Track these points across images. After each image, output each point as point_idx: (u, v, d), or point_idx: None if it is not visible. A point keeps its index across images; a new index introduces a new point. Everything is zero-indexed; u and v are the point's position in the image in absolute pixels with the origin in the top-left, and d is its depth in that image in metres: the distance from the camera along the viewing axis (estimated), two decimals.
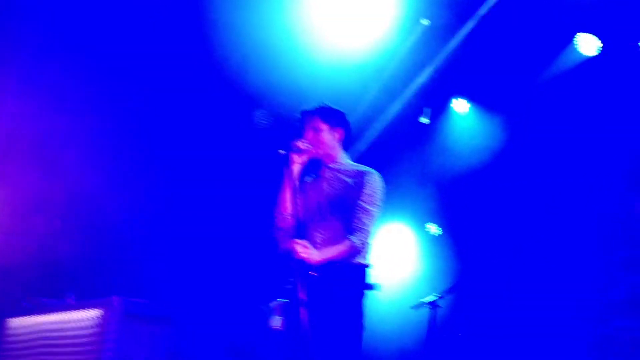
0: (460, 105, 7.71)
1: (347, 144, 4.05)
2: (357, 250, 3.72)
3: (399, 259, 7.67)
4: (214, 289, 6.76)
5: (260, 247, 6.68)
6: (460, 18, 6.86)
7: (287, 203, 3.80)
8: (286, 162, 3.72)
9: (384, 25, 6.85)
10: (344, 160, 4.00)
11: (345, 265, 3.72)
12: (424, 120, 7.70)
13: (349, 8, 6.73)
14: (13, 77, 6.56)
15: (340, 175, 3.92)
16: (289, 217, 3.83)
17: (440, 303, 5.28)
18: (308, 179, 4.03)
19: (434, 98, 7.66)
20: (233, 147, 7.23)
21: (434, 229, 7.75)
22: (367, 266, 3.81)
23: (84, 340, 4.88)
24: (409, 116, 7.74)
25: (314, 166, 4.01)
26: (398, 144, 7.84)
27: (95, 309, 4.95)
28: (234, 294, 6.86)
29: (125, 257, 6.87)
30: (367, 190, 3.82)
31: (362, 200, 3.79)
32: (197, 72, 6.96)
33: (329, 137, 3.95)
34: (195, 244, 7.20)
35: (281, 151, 3.73)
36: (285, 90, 6.80)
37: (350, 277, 3.72)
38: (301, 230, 3.70)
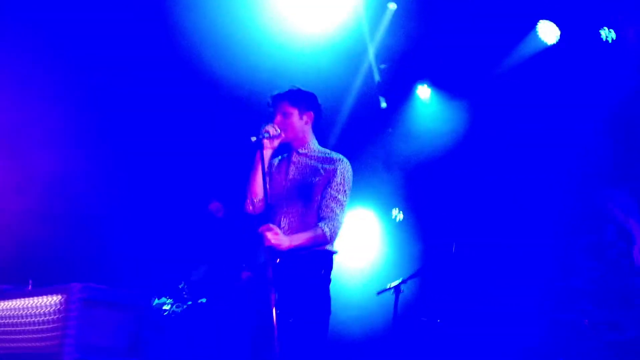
0: (423, 91, 7.75)
1: (318, 127, 4.00)
2: (326, 239, 3.71)
3: (364, 245, 7.70)
4: (179, 275, 6.70)
5: (226, 232, 6.66)
6: (424, 3, 6.90)
7: (257, 188, 3.77)
8: (257, 147, 3.69)
9: (350, 9, 6.84)
10: (314, 146, 3.96)
11: (313, 252, 3.71)
12: (382, 104, 7.73)
13: None
14: None
15: (309, 160, 3.89)
16: (258, 202, 3.81)
17: (404, 288, 5.32)
18: (275, 161, 4.00)
19: (398, 83, 7.68)
20: (201, 132, 7.17)
21: (397, 214, 7.80)
22: (334, 253, 3.82)
23: (44, 327, 4.80)
24: (372, 101, 7.76)
25: (283, 150, 3.97)
26: (362, 129, 7.85)
27: (55, 295, 4.88)
28: (199, 279, 6.81)
29: (86, 243, 6.76)
30: (337, 179, 3.79)
31: (332, 188, 3.77)
32: (163, 62, 6.87)
33: (299, 121, 3.90)
34: (160, 230, 7.12)
35: (253, 138, 3.69)
36: (253, 77, 6.74)
37: (318, 263, 3.73)
38: (269, 215, 3.69)
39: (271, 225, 3.56)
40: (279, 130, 3.81)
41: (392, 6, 6.92)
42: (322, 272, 3.74)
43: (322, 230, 3.69)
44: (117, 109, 7.01)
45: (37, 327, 4.89)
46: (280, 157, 4.03)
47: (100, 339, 4.93)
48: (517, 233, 6.65)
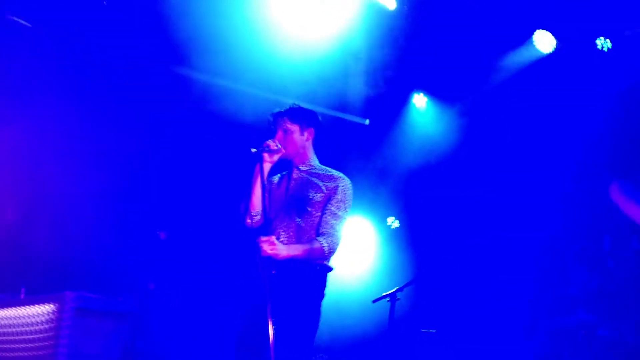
0: (419, 100, 7.76)
1: (318, 145, 4.07)
2: (324, 253, 3.76)
3: (359, 253, 7.67)
4: (173, 285, 6.66)
5: (224, 244, 6.65)
6: (421, 13, 6.90)
7: (256, 201, 3.83)
8: (257, 160, 3.75)
9: (345, 18, 6.83)
10: (315, 162, 4.03)
11: (308, 265, 3.75)
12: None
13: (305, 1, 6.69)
14: None
15: (309, 177, 3.95)
16: (257, 215, 3.87)
17: (400, 296, 5.29)
18: (275, 179, 4.04)
19: (394, 92, 7.68)
20: (201, 143, 7.14)
21: (393, 222, 7.79)
22: (329, 269, 3.86)
23: (37, 336, 4.76)
24: (368, 109, 7.75)
25: (284, 166, 4.02)
26: (358, 137, 7.84)
27: (48, 304, 4.85)
28: (193, 290, 6.78)
29: (79, 251, 6.71)
30: (339, 196, 3.87)
31: (333, 205, 3.84)
32: (157, 68, 6.85)
33: (300, 138, 3.98)
34: (155, 238, 7.08)
35: (253, 149, 3.75)
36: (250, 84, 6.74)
37: (312, 276, 3.77)
38: (268, 228, 3.75)
39: (266, 237, 3.60)
40: (279, 146, 3.86)
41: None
42: (316, 285, 3.77)
43: (321, 244, 3.74)
44: (111, 117, 6.96)
45: (29, 337, 4.85)
46: (280, 173, 4.09)
47: (93, 348, 4.91)
48: (513, 240, 6.65)
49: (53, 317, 4.76)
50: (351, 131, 7.74)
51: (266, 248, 3.56)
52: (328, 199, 3.85)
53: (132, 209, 7.11)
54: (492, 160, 7.03)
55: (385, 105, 7.77)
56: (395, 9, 6.81)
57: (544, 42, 6.80)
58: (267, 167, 3.83)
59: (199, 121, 7.16)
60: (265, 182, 3.76)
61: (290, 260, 3.67)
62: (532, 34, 6.83)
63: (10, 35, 6.30)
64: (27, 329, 4.88)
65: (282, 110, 4.00)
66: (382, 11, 6.90)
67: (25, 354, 4.83)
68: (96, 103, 6.82)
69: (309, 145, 4.03)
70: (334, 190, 3.87)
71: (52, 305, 4.81)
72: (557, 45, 6.77)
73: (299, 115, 4.01)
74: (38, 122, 6.57)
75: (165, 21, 6.46)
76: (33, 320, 4.87)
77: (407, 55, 7.29)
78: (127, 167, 7.11)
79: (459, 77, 7.19)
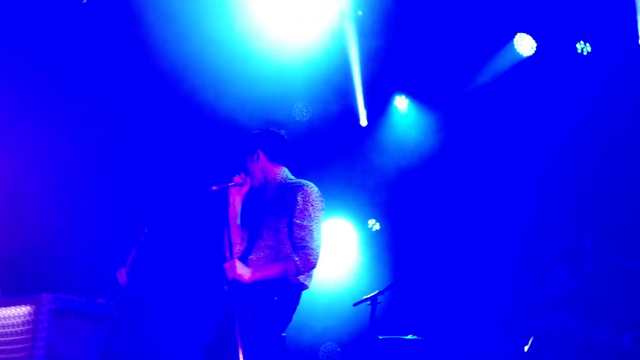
0: (401, 102, 7.78)
1: (282, 156, 4.10)
2: (298, 268, 3.72)
3: (340, 255, 7.66)
4: (154, 290, 6.62)
5: (202, 250, 6.62)
6: (401, 15, 6.91)
7: (233, 235, 3.91)
8: (226, 196, 3.91)
9: (328, 22, 6.84)
10: (280, 177, 4.05)
11: (279, 283, 3.74)
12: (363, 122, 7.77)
13: (288, 7, 6.68)
14: None
15: (271, 195, 3.98)
16: (236, 246, 3.93)
17: (381, 299, 5.29)
18: (249, 203, 4.11)
19: (376, 95, 7.69)
20: (180, 143, 7.12)
21: (374, 224, 7.79)
22: (303, 287, 3.83)
23: (14, 337, 4.69)
24: (349, 112, 7.75)
25: (254, 192, 4.11)
26: (339, 140, 7.84)
27: (25, 306, 4.78)
28: (173, 296, 6.75)
29: (56, 253, 6.64)
30: (299, 206, 3.82)
31: (296, 217, 3.81)
32: (140, 76, 6.81)
33: (255, 165, 4.07)
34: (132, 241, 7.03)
35: (213, 187, 3.87)
36: (231, 92, 6.71)
37: (270, 291, 3.74)
38: (245, 255, 3.87)
39: (229, 261, 3.70)
40: (245, 179, 3.97)
41: (359, 13, 6.95)
42: (274, 299, 3.73)
43: (293, 261, 3.72)
44: (93, 119, 6.91)
45: (6, 339, 4.78)
46: (254, 198, 4.13)
47: (71, 350, 4.86)
48: (492, 242, 6.68)
49: (30, 318, 4.70)
50: (333, 134, 7.73)
51: (229, 273, 3.65)
52: (292, 213, 3.82)
53: (111, 211, 7.07)
54: (472, 162, 7.06)
55: (367, 107, 7.77)
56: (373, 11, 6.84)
57: (524, 44, 6.84)
58: (237, 200, 3.97)
59: (184, 126, 7.14)
60: (237, 215, 3.95)
61: (257, 282, 3.70)
62: (513, 36, 6.87)
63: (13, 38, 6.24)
64: (3, 330, 4.81)
65: (232, 149, 4.23)
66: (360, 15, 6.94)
67: (2, 356, 4.76)
68: (77, 105, 6.77)
69: (267, 165, 4.07)
70: (293, 202, 3.83)
71: (28, 307, 4.74)
72: (537, 48, 6.81)
73: (242, 146, 4.13)
74: (15, 122, 6.50)
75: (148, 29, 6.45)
76: (9, 322, 4.80)
77: (389, 58, 7.30)
78: (107, 168, 7.07)
79: (440, 79, 7.22)
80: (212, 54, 6.63)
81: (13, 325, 4.75)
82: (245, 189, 4.00)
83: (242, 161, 4.11)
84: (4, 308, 4.91)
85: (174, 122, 7.12)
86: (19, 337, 4.69)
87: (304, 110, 7.21)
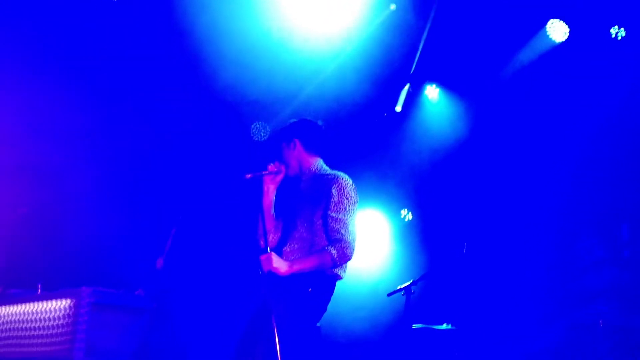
0: (431, 92, 7.72)
1: (318, 147, 4.09)
2: (334, 261, 3.71)
3: (373, 246, 7.66)
4: (189, 280, 6.69)
5: (235, 244, 6.67)
6: (430, 4, 6.86)
7: (267, 224, 3.92)
8: (258, 184, 3.91)
9: (356, 11, 6.81)
10: (316, 168, 4.04)
11: (314, 274, 3.74)
12: (398, 108, 7.70)
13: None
14: None
15: (309, 186, 3.97)
16: (270, 235, 3.95)
17: (415, 289, 5.27)
18: (284, 193, 4.10)
19: (407, 84, 7.63)
20: (208, 139, 7.17)
21: (407, 214, 7.77)
22: (337, 278, 3.84)
23: (54, 331, 4.79)
24: (380, 103, 7.72)
25: (288, 181, 4.10)
26: (371, 130, 7.82)
27: (65, 299, 4.88)
28: (209, 286, 6.81)
29: (95, 247, 6.75)
30: (334, 199, 3.81)
31: (330, 210, 3.79)
32: (170, 71, 6.87)
33: (291, 153, 4.06)
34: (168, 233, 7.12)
35: (248, 175, 3.88)
36: (261, 85, 6.73)
37: (305, 283, 3.73)
38: (279, 246, 3.87)
39: (266, 254, 3.69)
40: (280, 167, 3.97)
41: (392, 7, 6.90)
42: (309, 290, 3.73)
43: (330, 253, 3.70)
44: (125, 114, 6.99)
45: (46, 332, 4.88)
46: (289, 187, 4.12)
47: (110, 342, 4.94)
48: (529, 232, 6.61)
49: (70, 312, 4.79)
50: (364, 125, 7.71)
51: (265, 266, 3.64)
52: (326, 205, 3.81)
53: (147, 206, 7.15)
54: (506, 151, 6.98)
55: (398, 97, 7.72)
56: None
57: (557, 30, 6.74)
58: (271, 189, 3.98)
59: (212, 122, 7.18)
60: (271, 204, 3.96)
61: (295, 273, 3.70)
62: (545, 22, 6.76)
63: (29, 35, 6.33)
64: (44, 324, 4.91)
65: (269, 137, 4.16)
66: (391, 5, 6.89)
67: (42, 349, 4.86)
68: (110, 105, 6.85)
69: (303, 155, 4.06)
70: (328, 195, 3.82)
71: (68, 301, 4.84)
72: (570, 33, 6.70)
73: (279, 135, 4.14)
74: (51, 120, 6.61)
75: (176, 21, 6.49)
76: (50, 315, 4.90)
77: (420, 47, 7.24)
78: (141, 164, 7.15)
79: (471, 67, 7.14)
80: (244, 49, 6.65)
81: (54, 319, 4.86)
82: (280, 177, 4.00)
83: (278, 149, 4.11)
84: (44, 302, 5.02)
85: (208, 114, 7.17)
86: (59, 330, 4.79)
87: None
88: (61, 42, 6.46)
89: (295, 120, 4.19)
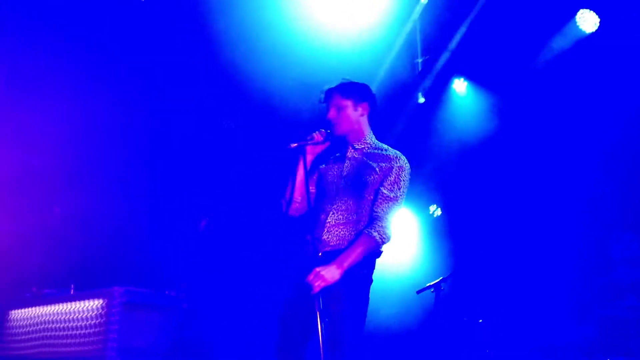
0: (459, 85, 7.66)
1: (374, 120, 3.83)
2: (378, 243, 3.56)
3: (402, 242, 7.62)
4: (219, 279, 6.73)
5: (266, 234, 6.66)
6: None
7: (297, 190, 3.70)
8: (300, 153, 3.64)
9: (383, 5, 6.78)
10: (371, 140, 3.79)
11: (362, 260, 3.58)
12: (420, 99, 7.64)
13: None
14: None
15: (364, 157, 3.73)
16: (299, 205, 3.75)
17: (445, 286, 5.24)
18: (330, 159, 3.87)
19: (434, 77, 7.58)
20: (238, 139, 7.18)
21: (435, 210, 7.72)
22: (379, 254, 3.69)
23: (87, 330, 4.85)
24: (407, 97, 7.67)
25: (339, 145, 3.84)
26: (398, 124, 7.78)
27: (97, 299, 4.93)
28: (238, 283, 6.83)
29: (126, 246, 6.82)
30: (392, 177, 3.62)
31: (385, 187, 3.60)
32: (191, 66, 6.89)
33: (354, 113, 3.75)
34: (197, 233, 7.16)
35: (293, 144, 3.61)
36: (287, 79, 6.71)
37: (361, 264, 3.56)
38: (312, 216, 3.63)
39: (314, 272, 3.43)
40: (325, 136, 3.70)
41: (424, 0, 6.85)
42: (364, 272, 3.61)
43: (372, 237, 3.54)
44: (153, 114, 7.05)
45: (79, 332, 4.94)
46: (335, 154, 3.88)
47: (142, 342, 4.99)
48: (559, 227, 6.52)
49: (102, 311, 4.85)
50: (390, 119, 7.67)
51: (316, 284, 3.37)
52: (381, 181, 3.61)
53: (175, 204, 7.20)
54: (535, 145, 6.89)
55: (425, 90, 7.67)
56: None
57: (587, 21, 6.62)
58: (309, 158, 3.69)
59: (240, 114, 7.20)
60: (307, 172, 3.64)
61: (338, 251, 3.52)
62: (575, 13, 6.66)
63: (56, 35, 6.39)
64: (77, 324, 4.98)
65: (333, 86, 3.78)
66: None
67: (76, 348, 4.93)
68: (141, 103, 6.91)
69: (364, 121, 3.78)
70: (388, 171, 3.62)
71: (101, 300, 4.90)
72: (600, 24, 6.58)
73: (350, 89, 3.76)
74: (84, 121, 6.68)
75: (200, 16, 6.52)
76: (83, 315, 4.96)
77: (448, 40, 7.19)
78: (170, 164, 7.20)
79: (499, 60, 7.05)
80: (268, 40, 6.65)
81: (87, 319, 4.92)
82: (320, 148, 3.74)
83: (334, 107, 3.75)
84: (77, 302, 5.09)
85: (234, 107, 7.20)
86: (92, 330, 4.85)
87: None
88: (94, 44, 6.51)
89: (363, 83, 3.85)
